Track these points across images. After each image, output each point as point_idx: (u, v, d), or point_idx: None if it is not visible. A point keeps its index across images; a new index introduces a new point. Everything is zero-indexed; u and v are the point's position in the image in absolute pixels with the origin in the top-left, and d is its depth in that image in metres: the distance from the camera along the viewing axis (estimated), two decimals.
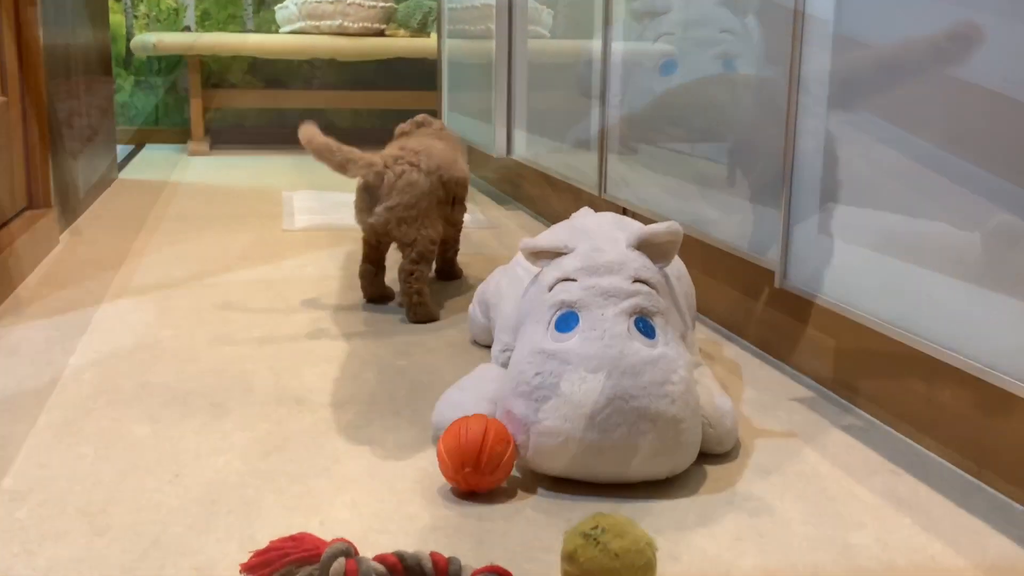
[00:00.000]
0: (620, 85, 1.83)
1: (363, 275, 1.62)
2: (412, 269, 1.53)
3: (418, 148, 1.60)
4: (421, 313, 1.51)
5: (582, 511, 0.93)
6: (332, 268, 1.89)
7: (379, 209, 1.54)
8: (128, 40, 3.87)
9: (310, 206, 2.56)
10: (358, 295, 1.69)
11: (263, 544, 0.83)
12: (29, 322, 1.48)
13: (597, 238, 1.10)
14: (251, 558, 0.75)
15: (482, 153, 3.04)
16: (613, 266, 1.04)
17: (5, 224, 1.81)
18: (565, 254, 1.08)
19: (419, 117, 1.77)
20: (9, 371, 1.26)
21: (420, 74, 4.18)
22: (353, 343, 1.42)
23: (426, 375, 1.30)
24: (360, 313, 1.58)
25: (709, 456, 1.05)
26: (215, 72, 3.99)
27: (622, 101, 1.83)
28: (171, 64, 3.97)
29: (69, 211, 2.11)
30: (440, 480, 0.97)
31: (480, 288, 1.41)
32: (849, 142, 1.16)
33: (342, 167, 1.48)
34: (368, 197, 1.55)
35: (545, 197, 2.50)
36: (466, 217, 2.46)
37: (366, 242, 1.60)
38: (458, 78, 3.12)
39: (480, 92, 2.81)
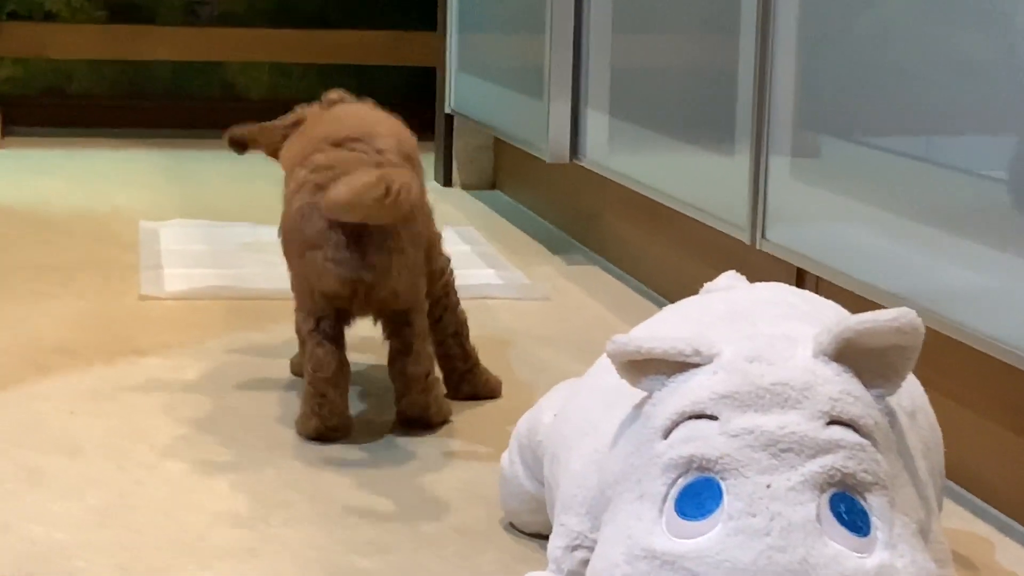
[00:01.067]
0: (796, 18, 1.85)
1: (330, 382, 1.66)
2: (420, 350, 1.70)
3: (360, 133, 1.72)
4: (444, 408, 1.75)
5: None
6: (237, 375, 1.91)
7: (377, 258, 1.65)
8: None
9: (191, 250, 2.60)
10: (280, 424, 1.70)
11: None
12: None
13: (755, 335, 1.11)
14: None
15: (524, 156, 3.08)
16: (789, 392, 1.05)
17: None
18: (696, 366, 1.09)
19: (332, 95, 1.89)
20: None
21: (406, 2, 4.25)
22: (276, 520, 1.43)
23: None
24: (289, 451, 1.60)
25: None
26: None
27: (801, 49, 1.85)
28: None
29: None
30: None
31: (523, 423, 1.42)
32: None
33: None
34: (354, 237, 1.64)
35: (647, 244, 2.52)
36: (491, 277, 2.49)
37: (323, 318, 1.68)
38: (480, 10, 3.18)
39: (521, 38, 2.86)
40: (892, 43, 1.66)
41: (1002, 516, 1.52)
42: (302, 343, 1.76)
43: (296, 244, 1.68)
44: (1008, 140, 1.47)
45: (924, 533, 1.08)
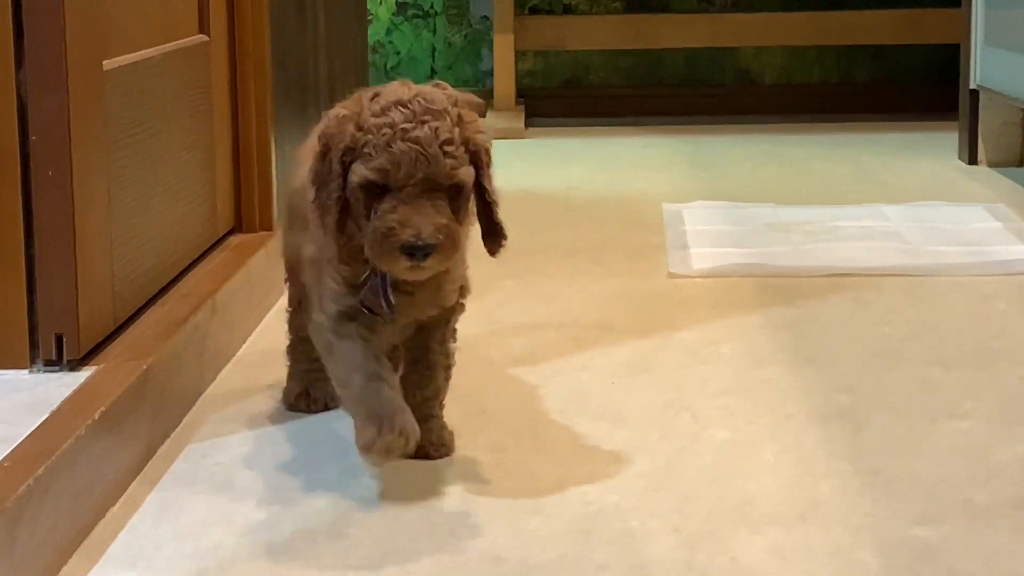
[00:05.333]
0: None
1: None
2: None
3: None
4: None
5: None
6: (772, 349, 1.93)
7: None
8: None
9: (714, 231, 2.63)
10: (814, 395, 1.71)
11: None
12: (234, 434, 1.65)
13: None
14: None
15: None
16: None
17: (196, 262, 2.02)
18: None
19: None
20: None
21: None
22: (824, 488, 1.45)
23: None
24: (823, 421, 1.60)
25: None
26: None
27: None
28: None
29: None
30: None
31: None
32: None
33: None
34: None
35: None
36: None
37: None
38: None
39: None
40: None
41: None
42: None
43: None
44: None
45: None
